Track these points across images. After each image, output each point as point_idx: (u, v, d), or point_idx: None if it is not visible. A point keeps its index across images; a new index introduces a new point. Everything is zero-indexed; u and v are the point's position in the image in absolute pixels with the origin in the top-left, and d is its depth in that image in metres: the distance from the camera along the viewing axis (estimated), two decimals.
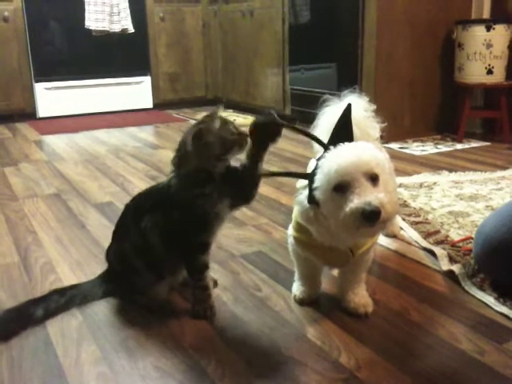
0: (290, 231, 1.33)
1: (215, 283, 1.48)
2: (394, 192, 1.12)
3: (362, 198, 1.03)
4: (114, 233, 1.41)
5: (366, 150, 1.11)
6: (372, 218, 1.02)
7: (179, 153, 1.25)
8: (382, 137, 1.56)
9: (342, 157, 1.08)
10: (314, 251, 1.27)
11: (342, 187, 1.06)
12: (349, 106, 1.21)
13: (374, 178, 1.07)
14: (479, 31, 3.08)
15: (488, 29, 3.06)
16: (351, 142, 1.17)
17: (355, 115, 1.35)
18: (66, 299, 1.36)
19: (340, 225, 1.08)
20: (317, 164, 1.13)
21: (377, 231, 1.14)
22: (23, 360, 1.15)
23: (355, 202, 1.03)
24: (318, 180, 1.10)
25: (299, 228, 1.28)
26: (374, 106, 1.52)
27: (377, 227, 1.06)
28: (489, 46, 3.07)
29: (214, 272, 1.53)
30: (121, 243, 1.36)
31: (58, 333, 1.26)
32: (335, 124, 1.20)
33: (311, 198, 1.14)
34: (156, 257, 1.30)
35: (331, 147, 1.13)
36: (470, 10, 3.42)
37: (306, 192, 1.17)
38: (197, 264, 1.30)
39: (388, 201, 1.05)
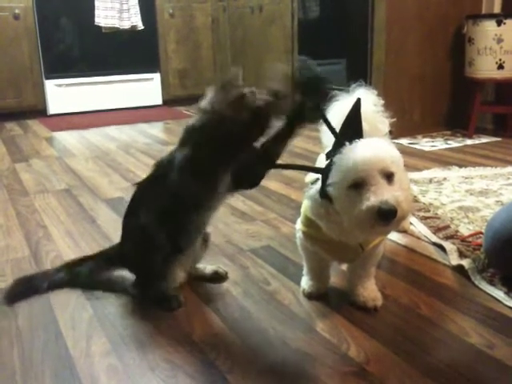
0: (299, 226, 1.33)
1: (225, 276, 1.48)
2: (409, 190, 1.11)
3: (379, 196, 1.02)
4: (130, 212, 1.38)
5: (381, 147, 1.10)
6: (388, 216, 1.02)
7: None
8: (391, 132, 1.55)
9: (358, 153, 1.07)
10: (323, 246, 1.27)
11: (357, 184, 1.05)
12: (358, 101, 1.21)
13: (389, 176, 1.06)
14: (490, 26, 3.05)
15: (499, 23, 3.03)
16: (361, 137, 1.17)
17: (364, 110, 1.34)
18: (72, 276, 1.42)
19: (354, 222, 1.07)
20: (331, 159, 1.13)
21: (391, 230, 1.12)
22: (34, 352, 1.17)
23: (371, 200, 1.02)
24: (333, 176, 1.09)
25: (308, 223, 1.27)
26: (382, 101, 1.51)
27: (391, 226, 1.05)
28: (499, 40, 3.05)
29: (224, 266, 1.53)
30: (140, 217, 1.31)
31: (68, 325, 1.27)
32: (344, 118, 1.19)
33: (324, 193, 1.13)
34: (182, 214, 1.28)
35: (346, 143, 1.12)
36: (481, 5, 3.39)
37: (317, 186, 1.16)
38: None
39: (404, 199, 1.04)
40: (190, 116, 4.44)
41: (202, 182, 1.24)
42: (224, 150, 1.20)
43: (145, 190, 1.34)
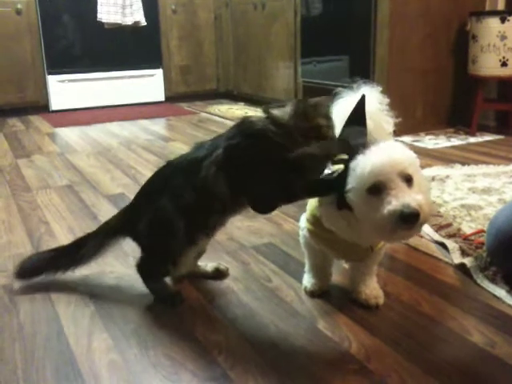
0: (304, 223, 1.32)
1: (226, 272, 1.48)
2: (428, 192, 1.10)
3: (400, 199, 1.01)
4: (156, 188, 1.33)
5: (398, 150, 1.09)
6: (411, 220, 1.00)
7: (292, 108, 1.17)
8: (394, 132, 1.55)
9: (375, 158, 1.06)
10: (330, 245, 1.27)
11: (376, 188, 1.04)
12: (363, 98, 1.20)
13: (408, 179, 1.05)
14: (493, 23, 3.04)
15: (502, 20, 3.02)
16: (365, 135, 1.16)
17: (369, 108, 1.34)
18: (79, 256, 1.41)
19: (375, 227, 1.05)
20: (346, 166, 1.11)
21: (413, 234, 1.11)
22: (36, 348, 1.17)
23: (393, 204, 1.01)
24: (351, 182, 1.07)
25: (315, 221, 1.26)
26: (387, 99, 1.51)
27: (414, 230, 1.05)
28: (503, 37, 3.03)
29: (225, 263, 1.53)
30: (164, 198, 1.27)
31: (70, 321, 1.27)
32: (349, 115, 1.19)
33: (341, 203, 1.11)
34: (205, 211, 1.25)
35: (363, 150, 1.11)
36: (485, 2, 3.38)
37: (329, 199, 1.15)
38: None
39: (425, 202, 1.03)
40: (192, 112, 4.44)
41: (234, 189, 1.21)
42: (268, 168, 1.16)
43: (176, 172, 1.29)
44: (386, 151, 1.07)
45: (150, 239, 1.32)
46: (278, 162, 1.15)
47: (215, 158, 1.21)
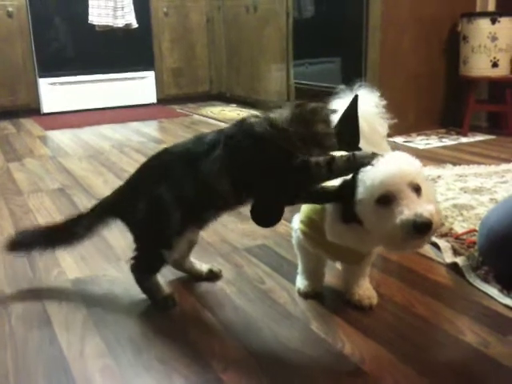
0: (298, 225, 1.32)
1: (219, 274, 1.48)
2: (437, 201, 1.10)
3: (412, 209, 1.01)
4: (152, 174, 1.31)
5: (405, 159, 1.09)
6: (424, 229, 1.01)
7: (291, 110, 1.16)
8: (389, 135, 1.55)
9: (383, 168, 1.05)
10: (326, 249, 1.26)
11: (386, 199, 1.04)
12: (355, 98, 1.20)
13: (417, 189, 1.05)
14: (484, 24, 3.06)
15: (493, 22, 3.04)
16: (358, 134, 1.16)
17: (365, 110, 1.34)
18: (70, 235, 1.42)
19: (387, 238, 1.06)
20: (353, 180, 1.10)
21: (425, 243, 1.11)
22: (28, 353, 1.16)
23: (406, 214, 1.01)
24: (360, 193, 1.07)
25: (310, 224, 1.26)
26: (384, 102, 1.51)
27: (426, 239, 1.05)
28: (494, 38, 3.05)
29: (218, 265, 1.53)
30: (161, 187, 1.25)
31: (62, 326, 1.26)
32: (341, 116, 1.19)
33: (348, 217, 1.11)
34: (203, 205, 1.25)
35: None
36: (475, 3, 3.40)
37: (334, 214, 1.15)
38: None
39: (435, 211, 1.03)
40: (184, 115, 4.43)
41: (233, 187, 1.21)
42: (271, 169, 1.15)
43: (176, 162, 1.26)
44: (394, 162, 1.07)
45: (144, 226, 1.31)
46: (282, 164, 1.14)
47: (218, 155, 1.20)
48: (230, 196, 1.22)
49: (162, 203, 1.25)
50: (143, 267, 1.35)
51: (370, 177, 1.06)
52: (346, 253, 1.24)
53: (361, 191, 1.07)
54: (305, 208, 1.29)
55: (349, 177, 1.11)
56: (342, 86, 1.47)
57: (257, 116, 1.20)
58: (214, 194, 1.22)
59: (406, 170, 1.05)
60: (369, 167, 1.07)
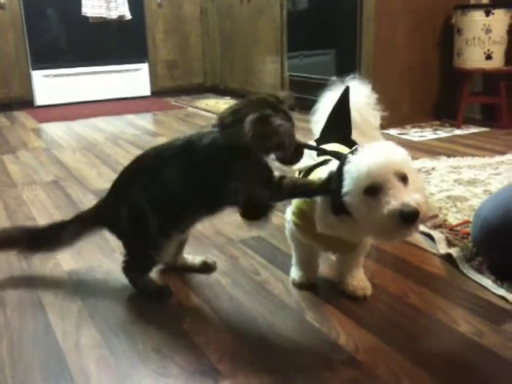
0: (290, 216, 1.32)
1: (214, 266, 1.48)
2: (424, 190, 1.11)
3: (399, 199, 1.01)
4: (124, 186, 1.33)
5: (391, 149, 1.09)
6: (411, 219, 1.01)
7: (232, 118, 1.16)
8: (381, 126, 1.56)
9: (370, 158, 1.05)
10: (317, 239, 1.26)
11: (373, 189, 1.04)
12: (347, 89, 1.20)
13: (404, 178, 1.05)
14: (478, 16, 3.06)
15: (487, 14, 3.04)
16: (349, 125, 1.17)
17: (357, 101, 1.34)
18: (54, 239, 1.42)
19: (376, 228, 1.06)
20: (339, 171, 1.10)
21: (413, 232, 1.12)
22: (23, 344, 1.16)
23: (392, 204, 1.01)
24: (347, 185, 1.07)
25: (301, 215, 1.26)
26: (375, 95, 1.51)
27: (414, 228, 1.05)
28: (488, 31, 3.05)
29: (213, 256, 1.53)
30: (137, 198, 1.27)
31: (57, 317, 1.26)
32: (332, 107, 1.19)
33: (338, 208, 1.11)
34: (173, 210, 1.26)
35: (351, 151, 1.10)
36: None
37: (323, 205, 1.15)
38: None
39: (422, 200, 1.04)
40: (179, 107, 4.42)
41: (195, 194, 1.23)
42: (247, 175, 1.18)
43: (154, 167, 1.27)
44: (380, 152, 1.07)
45: (128, 232, 1.32)
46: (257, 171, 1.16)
47: (181, 163, 1.22)
48: (195, 202, 1.24)
49: (140, 208, 1.26)
50: (135, 269, 1.37)
51: (356, 168, 1.06)
52: (337, 243, 1.24)
53: (348, 183, 1.07)
54: (296, 199, 1.29)
55: (335, 168, 1.12)
56: (334, 78, 1.47)
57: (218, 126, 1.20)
58: (180, 200, 1.24)
59: (393, 160, 1.06)
60: (355, 158, 1.07)
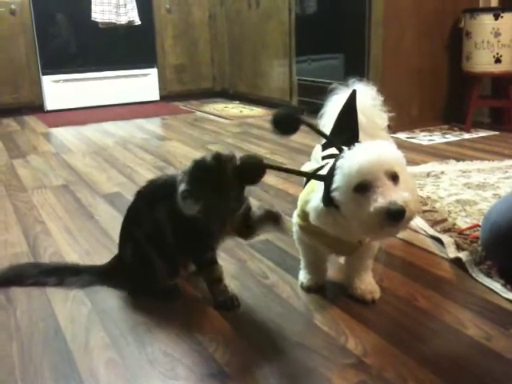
0: (295, 219, 1.33)
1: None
2: (415, 190, 1.11)
3: (387, 197, 1.02)
4: (127, 220, 1.39)
5: (384, 148, 1.09)
6: (397, 217, 1.01)
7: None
8: (389, 126, 1.56)
9: (361, 156, 1.06)
10: (321, 240, 1.27)
11: (363, 187, 1.04)
12: (353, 93, 1.21)
13: (394, 177, 1.05)
14: (487, 20, 3.05)
15: (496, 17, 3.03)
16: (356, 129, 1.17)
17: (362, 104, 1.34)
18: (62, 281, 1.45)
19: (363, 225, 1.06)
20: (333, 165, 1.11)
21: (400, 230, 1.12)
22: (33, 346, 1.17)
23: (379, 202, 1.02)
24: (338, 181, 1.08)
25: (306, 217, 1.27)
26: (381, 97, 1.51)
27: (400, 226, 1.05)
28: (497, 34, 3.05)
29: (222, 260, 1.53)
30: (134, 231, 1.35)
31: (67, 319, 1.27)
32: (339, 111, 1.19)
33: (328, 200, 1.11)
34: (169, 248, 1.31)
35: (345, 148, 1.12)
36: None
37: (318, 195, 1.15)
38: (204, 258, 1.31)
39: (411, 199, 1.04)
40: (187, 111, 4.44)
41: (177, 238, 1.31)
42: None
43: (147, 207, 1.33)
44: (372, 150, 1.07)
45: (137, 272, 1.37)
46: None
47: (164, 204, 1.27)
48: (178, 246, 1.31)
49: (141, 246, 1.33)
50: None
51: (347, 165, 1.07)
52: (338, 244, 1.24)
53: (339, 179, 1.08)
54: (300, 201, 1.30)
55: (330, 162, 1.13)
56: (335, 84, 1.48)
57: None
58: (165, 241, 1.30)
59: (384, 159, 1.06)
60: (347, 155, 1.08)
